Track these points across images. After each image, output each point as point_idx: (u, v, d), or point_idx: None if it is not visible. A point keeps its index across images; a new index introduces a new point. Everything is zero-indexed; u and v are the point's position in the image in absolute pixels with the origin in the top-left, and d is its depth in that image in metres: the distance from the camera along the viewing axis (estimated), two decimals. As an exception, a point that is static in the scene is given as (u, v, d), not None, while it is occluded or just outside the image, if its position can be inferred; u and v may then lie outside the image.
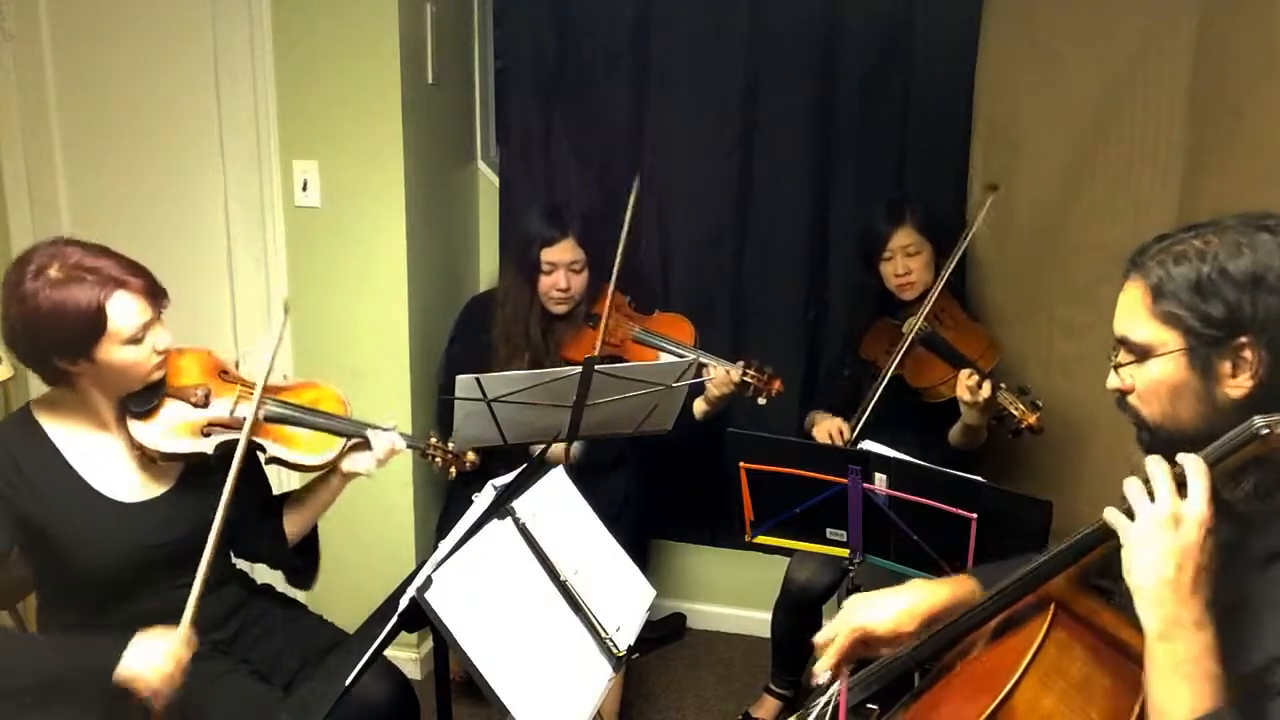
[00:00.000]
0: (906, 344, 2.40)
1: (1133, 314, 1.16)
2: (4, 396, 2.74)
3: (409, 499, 2.78)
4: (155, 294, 1.62)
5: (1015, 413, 2.21)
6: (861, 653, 1.37)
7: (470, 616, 1.35)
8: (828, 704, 1.33)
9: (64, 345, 1.57)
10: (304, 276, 2.73)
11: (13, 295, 1.55)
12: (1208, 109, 2.15)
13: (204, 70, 2.66)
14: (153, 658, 1.51)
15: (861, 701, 1.37)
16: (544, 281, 2.59)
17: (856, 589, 2.00)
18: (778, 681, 2.69)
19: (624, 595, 1.68)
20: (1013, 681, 1.08)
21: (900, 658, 1.34)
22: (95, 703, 1.54)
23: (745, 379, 2.46)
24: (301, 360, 2.73)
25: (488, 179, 3.09)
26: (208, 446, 1.69)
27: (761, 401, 2.50)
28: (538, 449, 2.21)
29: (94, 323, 1.55)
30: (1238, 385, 1.09)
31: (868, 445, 1.93)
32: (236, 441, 1.68)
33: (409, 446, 1.88)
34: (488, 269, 3.11)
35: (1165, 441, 1.16)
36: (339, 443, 1.82)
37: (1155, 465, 1.06)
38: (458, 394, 2.16)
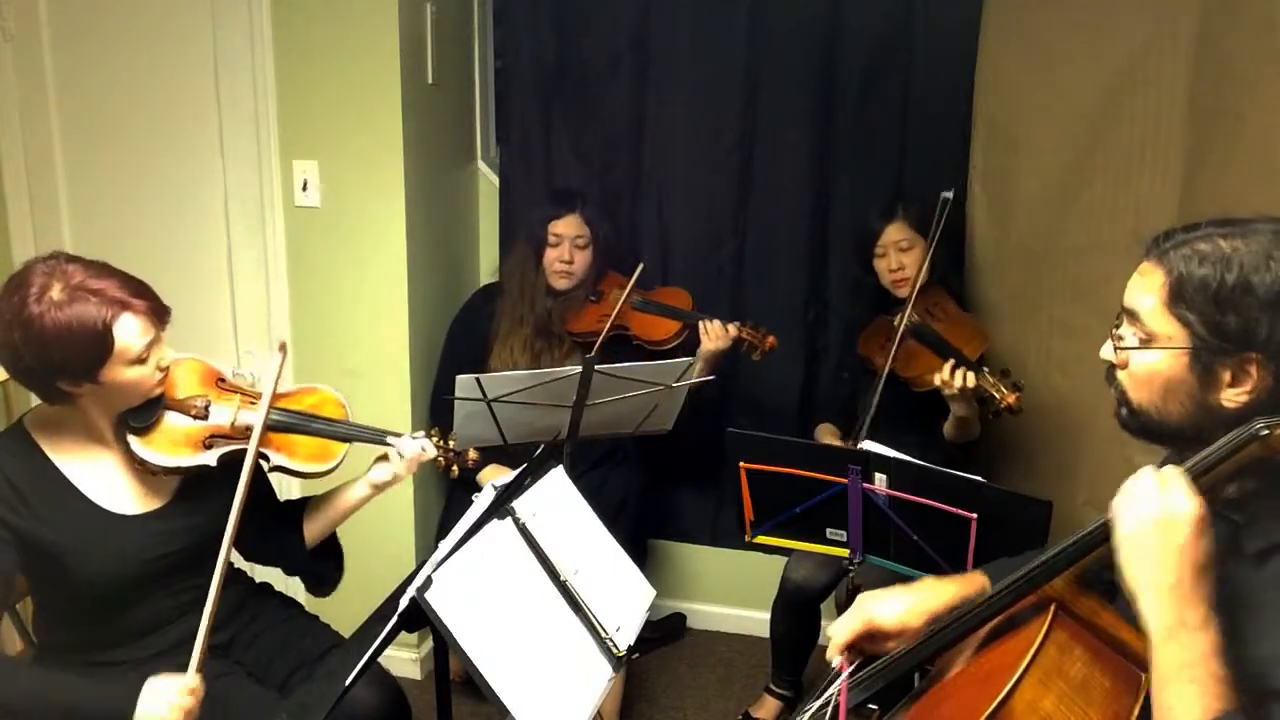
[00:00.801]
0: (899, 337, 2.42)
1: (1145, 299, 1.13)
2: (3, 397, 2.74)
3: (409, 499, 2.78)
4: (159, 313, 1.59)
5: (995, 394, 2.23)
6: (869, 647, 1.37)
7: (470, 616, 1.35)
8: (828, 704, 1.33)
9: (69, 368, 1.53)
10: (304, 276, 2.73)
11: (15, 319, 1.50)
12: (1208, 109, 2.15)
13: (204, 70, 2.66)
14: (162, 709, 1.50)
15: (862, 702, 1.37)
16: (549, 254, 2.66)
17: (857, 589, 2.00)
18: (778, 681, 2.69)
19: (624, 595, 1.68)
20: (1012, 682, 1.08)
21: (900, 658, 1.34)
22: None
23: (740, 335, 2.57)
24: (301, 361, 2.73)
25: (488, 179, 3.09)
26: (210, 459, 1.67)
27: (756, 358, 2.61)
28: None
29: (101, 345, 1.51)
30: (1234, 397, 1.09)
31: (868, 445, 1.93)
32: (239, 452, 1.66)
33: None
34: (488, 269, 3.11)
35: (1144, 426, 1.16)
36: (342, 449, 1.81)
37: (1145, 469, 1.06)
38: (457, 394, 2.16)
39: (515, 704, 1.32)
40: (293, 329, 2.76)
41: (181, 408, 1.68)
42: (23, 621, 1.95)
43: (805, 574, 2.50)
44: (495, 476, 1.66)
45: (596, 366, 2.18)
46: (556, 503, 1.68)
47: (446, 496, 2.86)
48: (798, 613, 2.58)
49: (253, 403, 1.73)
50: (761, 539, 2.08)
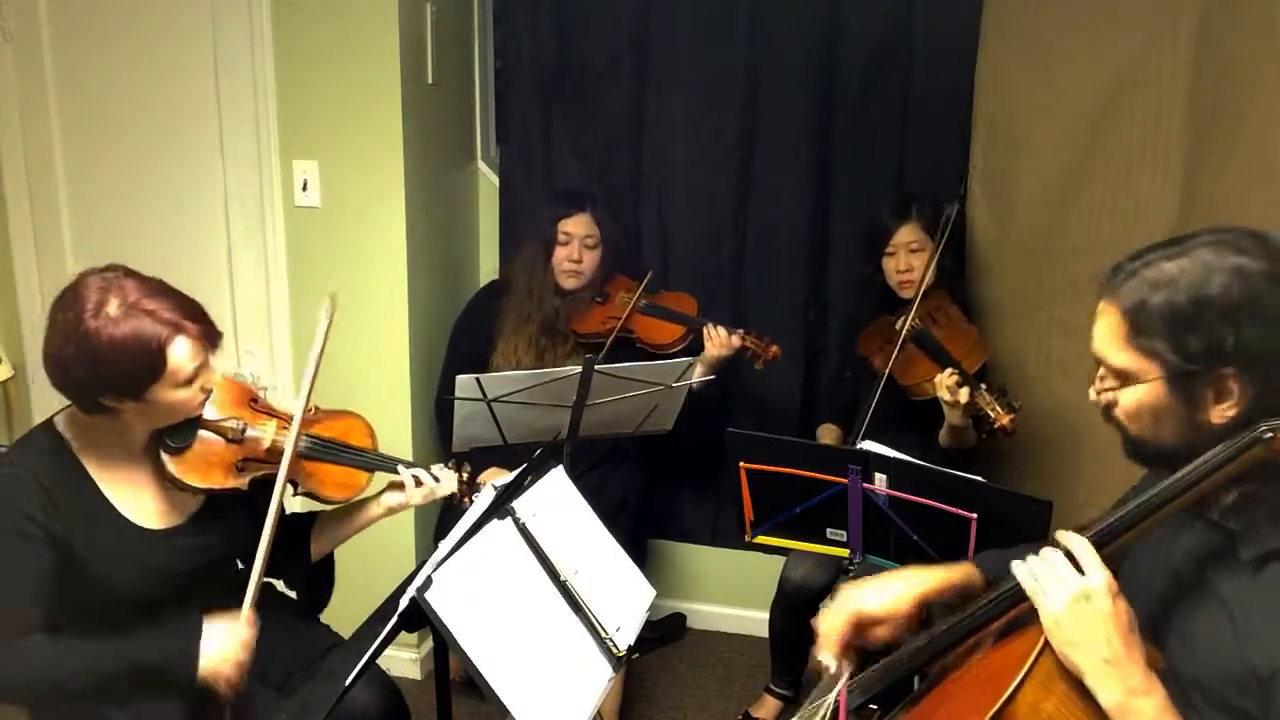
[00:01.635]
0: (900, 341, 2.41)
1: (1110, 341, 1.14)
2: (3, 396, 2.74)
3: (409, 499, 2.78)
4: (212, 337, 1.57)
5: (991, 413, 2.21)
6: (859, 639, 1.37)
7: (470, 616, 1.35)
8: (828, 706, 1.33)
9: (119, 385, 1.50)
10: (304, 276, 2.73)
11: (71, 333, 1.47)
12: (1208, 109, 2.15)
13: (204, 70, 2.66)
14: (226, 648, 1.53)
15: (862, 704, 1.37)
16: (558, 253, 2.66)
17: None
18: (777, 681, 2.69)
19: (624, 595, 1.68)
20: (1013, 686, 1.08)
21: (900, 660, 1.34)
22: (178, 697, 1.55)
23: (744, 344, 2.56)
24: (301, 362, 2.73)
25: (488, 179, 3.09)
26: (243, 483, 1.67)
27: (759, 366, 2.59)
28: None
29: (153, 365, 1.49)
30: (1222, 413, 1.09)
31: (868, 445, 1.93)
32: (269, 476, 1.66)
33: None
34: (488, 269, 3.11)
35: (1149, 455, 1.17)
36: (367, 479, 1.81)
37: (1049, 553, 1.11)
38: (457, 394, 2.16)
39: (515, 704, 1.32)
40: (293, 329, 2.76)
41: (218, 430, 1.66)
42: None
43: (804, 573, 2.50)
44: (495, 477, 1.66)
45: (596, 366, 2.18)
46: (556, 503, 1.68)
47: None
48: (797, 613, 2.57)
49: (286, 426, 1.72)
50: (761, 539, 2.08)
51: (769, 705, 2.69)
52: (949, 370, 2.27)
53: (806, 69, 2.79)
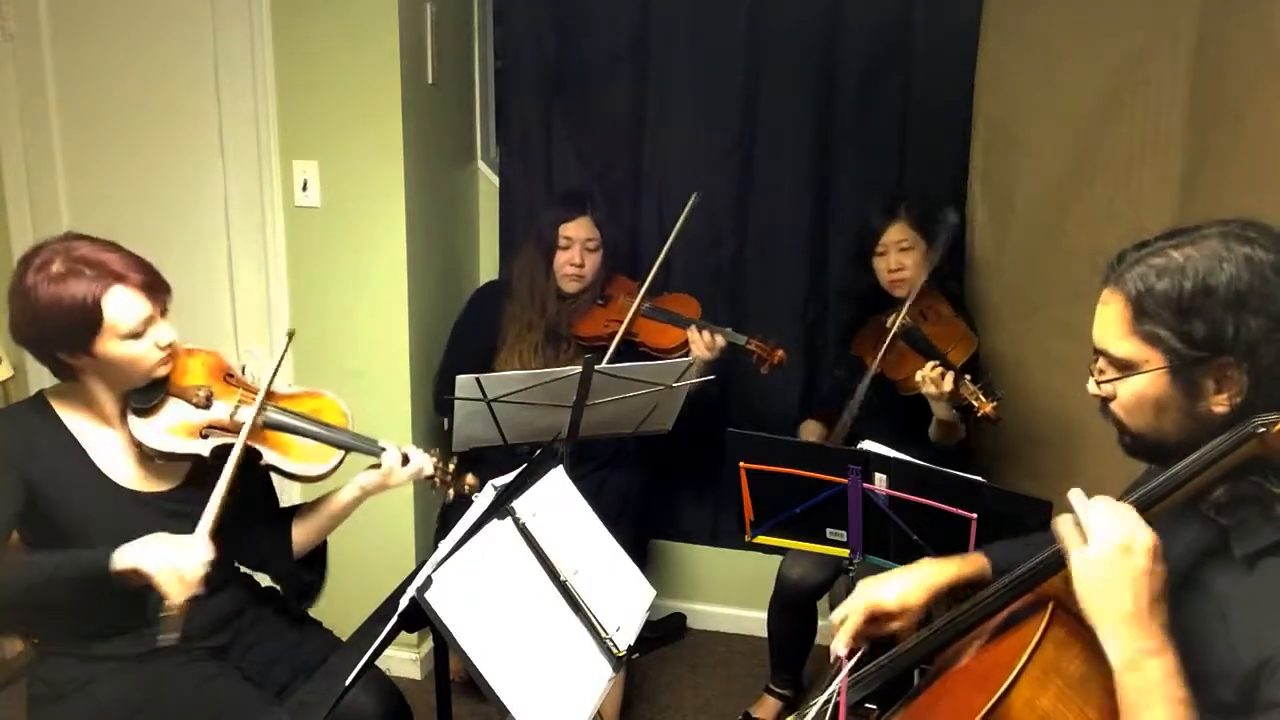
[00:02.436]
0: (888, 341, 2.42)
1: (1112, 329, 1.14)
2: (4, 396, 2.74)
3: (409, 499, 2.78)
4: (156, 289, 1.62)
5: (974, 402, 2.23)
6: (873, 631, 1.38)
7: (470, 616, 1.35)
8: (827, 703, 1.33)
9: (62, 339, 1.58)
10: (304, 276, 2.73)
11: (16, 288, 1.57)
12: (1208, 109, 2.15)
13: (204, 70, 2.66)
14: (169, 551, 1.51)
15: (860, 700, 1.37)
16: (560, 257, 2.65)
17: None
18: (777, 681, 2.69)
19: (624, 595, 1.68)
20: (1010, 680, 1.08)
21: (899, 656, 1.34)
22: (96, 597, 1.54)
23: (749, 347, 2.54)
24: (301, 361, 2.73)
25: (488, 179, 3.09)
26: (204, 449, 1.69)
27: (764, 371, 2.58)
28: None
29: (89, 317, 1.55)
30: (1222, 402, 1.09)
31: (868, 445, 1.93)
32: (232, 445, 1.67)
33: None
34: (488, 269, 3.11)
35: (1148, 449, 1.17)
36: (335, 455, 1.80)
37: (1097, 500, 1.08)
38: (457, 394, 2.16)
39: (515, 704, 1.32)
40: (293, 329, 2.76)
41: (184, 395, 1.70)
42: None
43: (801, 572, 2.51)
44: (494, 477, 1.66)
45: (596, 366, 2.18)
46: (556, 503, 1.68)
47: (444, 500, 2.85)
48: (794, 610, 2.58)
49: (254, 399, 1.73)
50: (761, 539, 2.08)
51: (769, 705, 2.69)
52: (931, 363, 2.28)
53: (806, 69, 2.79)
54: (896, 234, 2.52)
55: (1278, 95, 1.92)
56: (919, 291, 2.48)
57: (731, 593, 3.15)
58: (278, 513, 1.91)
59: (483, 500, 1.54)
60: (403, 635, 1.47)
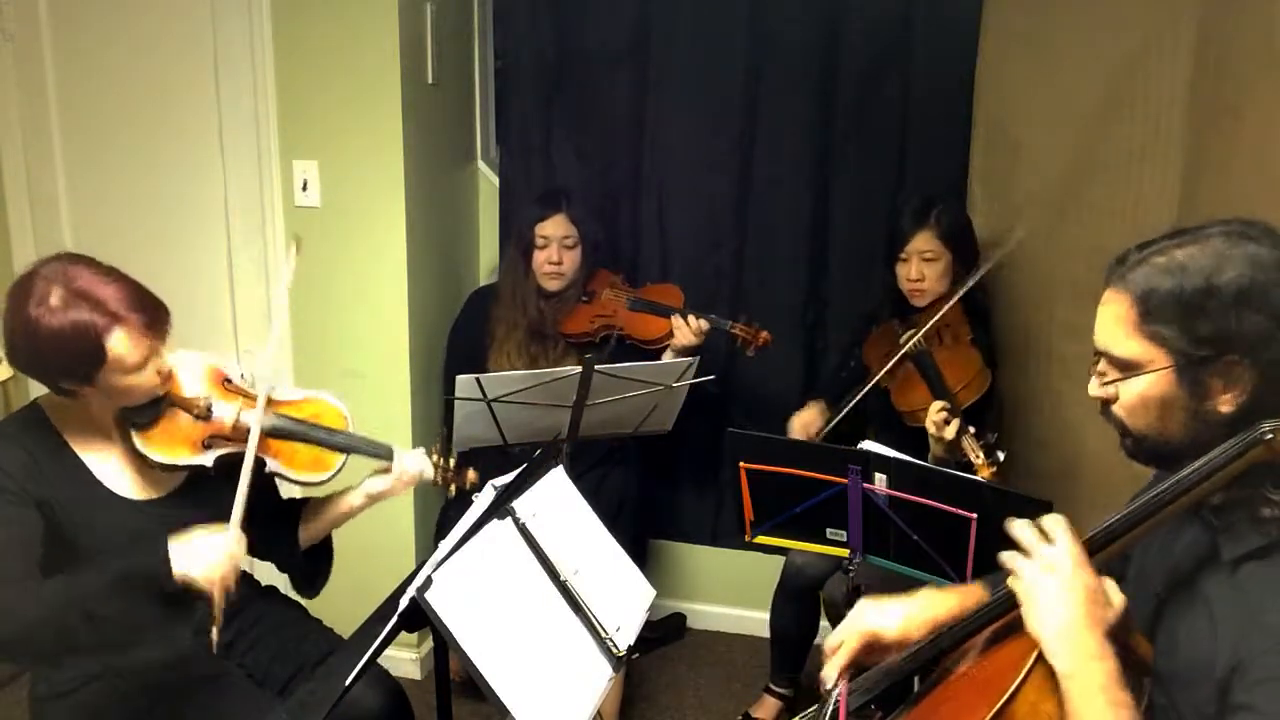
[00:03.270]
0: (897, 358, 2.38)
1: (1116, 329, 1.14)
2: (4, 396, 2.74)
3: (409, 500, 2.78)
4: (157, 325, 1.58)
5: (973, 459, 2.14)
6: (868, 659, 1.37)
7: (470, 616, 1.35)
8: (828, 707, 1.33)
9: (64, 372, 1.56)
10: (304, 276, 2.70)
11: (16, 318, 1.53)
12: (1208, 109, 2.15)
13: (204, 70, 2.66)
14: (206, 551, 1.53)
15: (863, 704, 1.37)
16: (538, 256, 2.66)
17: (857, 589, 2.00)
18: (777, 680, 2.69)
19: (624, 595, 1.68)
20: (1014, 687, 1.08)
21: (901, 662, 1.34)
22: (152, 607, 1.56)
23: (733, 331, 2.55)
24: (301, 361, 2.73)
25: (488, 179, 3.09)
26: (208, 460, 1.68)
27: (750, 354, 2.58)
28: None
29: (92, 355, 1.52)
30: (1228, 401, 1.09)
31: (868, 445, 1.93)
32: (236, 455, 1.67)
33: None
34: (488, 269, 3.11)
35: (1150, 452, 1.16)
36: (338, 460, 1.80)
37: (1017, 529, 1.15)
38: (457, 394, 2.16)
39: (515, 704, 1.32)
40: (293, 329, 2.76)
41: (184, 405, 1.68)
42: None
43: (806, 559, 2.50)
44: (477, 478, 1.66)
45: (596, 366, 2.18)
46: (556, 503, 1.68)
47: (445, 496, 2.85)
48: (798, 599, 2.57)
49: (255, 405, 1.73)
50: (761, 539, 2.08)
51: (769, 705, 2.69)
52: (938, 404, 2.21)
53: (806, 69, 2.79)
54: (922, 243, 2.44)
55: (1278, 95, 1.92)
56: (939, 315, 2.38)
57: (731, 593, 3.15)
58: (282, 505, 1.92)
59: (483, 500, 1.54)
60: (403, 635, 1.47)
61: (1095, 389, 1.19)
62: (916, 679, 1.39)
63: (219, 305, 2.79)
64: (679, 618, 3.19)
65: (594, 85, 2.92)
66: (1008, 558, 1.14)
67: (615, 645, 1.55)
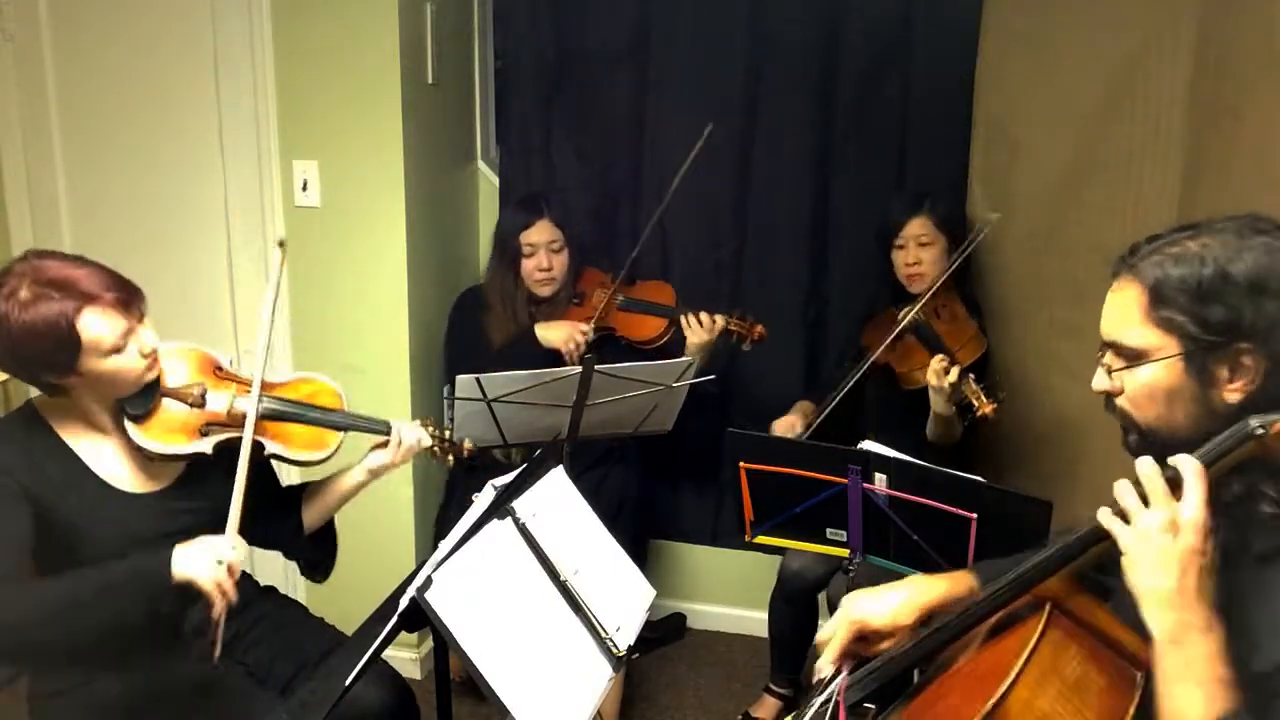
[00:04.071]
0: (897, 331, 2.42)
1: (1126, 317, 1.13)
2: (4, 396, 2.74)
3: (409, 497, 2.78)
4: (129, 301, 1.58)
5: (975, 401, 2.22)
6: (861, 649, 1.37)
7: (470, 616, 1.35)
8: (826, 704, 1.33)
9: (44, 364, 1.56)
10: (304, 276, 2.73)
11: None
12: (1208, 109, 2.15)
13: (204, 70, 2.66)
14: (205, 558, 1.53)
15: (859, 701, 1.37)
16: (526, 265, 2.66)
17: (855, 589, 2.00)
18: (777, 680, 2.69)
19: (624, 595, 1.68)
20: (1008, 682, 1.08)
21: (897, 657, 1.34)
22: (150, 611, 1.55)
23: (728, 326, 2.55)
24: (302, 360, 2.73)
25: (488, 179, 3.09)
26: (206, 446, 1.69)
27: (746, 348, 2.60)
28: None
29: (67, 341, 1.52)
30: (1235, 390, 1.08)
31: (868, 445, 1.93)
32: (234, 440, 1.68)
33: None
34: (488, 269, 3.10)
35: (1156, 445, 1.15)
36: (336, 438, 1.82)
37: (1148, 469, 1.05)
38: (457, 394, 2.16)
39: (515, 704, 1.32)
40: (293, 329, 2.77)
41: (178, 395, 1.69)
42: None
43: (802, 563, 2.52)
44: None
45: (596, 366, 2.18)
46: (556, 503, 1.68)
47: (445, 495, 2.86)
48: (795, 602, 2.58)
49: (248, 390, 1.74)
50: (762, 539, 2.08)
51: (769, 705, 2.69)
52: (940, 356, 2.28)
53: (806, 68, 2.79)
54: (917, 228, 2.51)
55: (1278, 95, 1.92)
56: (936, 290, 2.47)
57: (731, 593, 3.15)
58: (283, 493, 1.93)
59: (483, 500, 1.54)
60: (403, 635, 1.47)
61: (1100, 382, 1.19)
62: (915, 673, 1.39)
63: (219, 305, 2.79)
64: (679, 618, 3.19)
65: (594, 85, 2.92)
66: (1123, 492, 1.05)
67: (615, 645, 1.55)
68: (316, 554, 1.94)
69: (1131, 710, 1.07)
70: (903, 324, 2.42)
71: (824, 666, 1.36)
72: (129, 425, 1.64)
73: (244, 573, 1.89)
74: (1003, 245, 2.69)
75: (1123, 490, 1.06)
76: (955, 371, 2.25)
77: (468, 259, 3.09)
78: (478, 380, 2.15)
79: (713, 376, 2.51)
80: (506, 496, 1.56)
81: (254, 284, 2.77)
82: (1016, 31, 2.57)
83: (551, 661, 1.45)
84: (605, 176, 2.96)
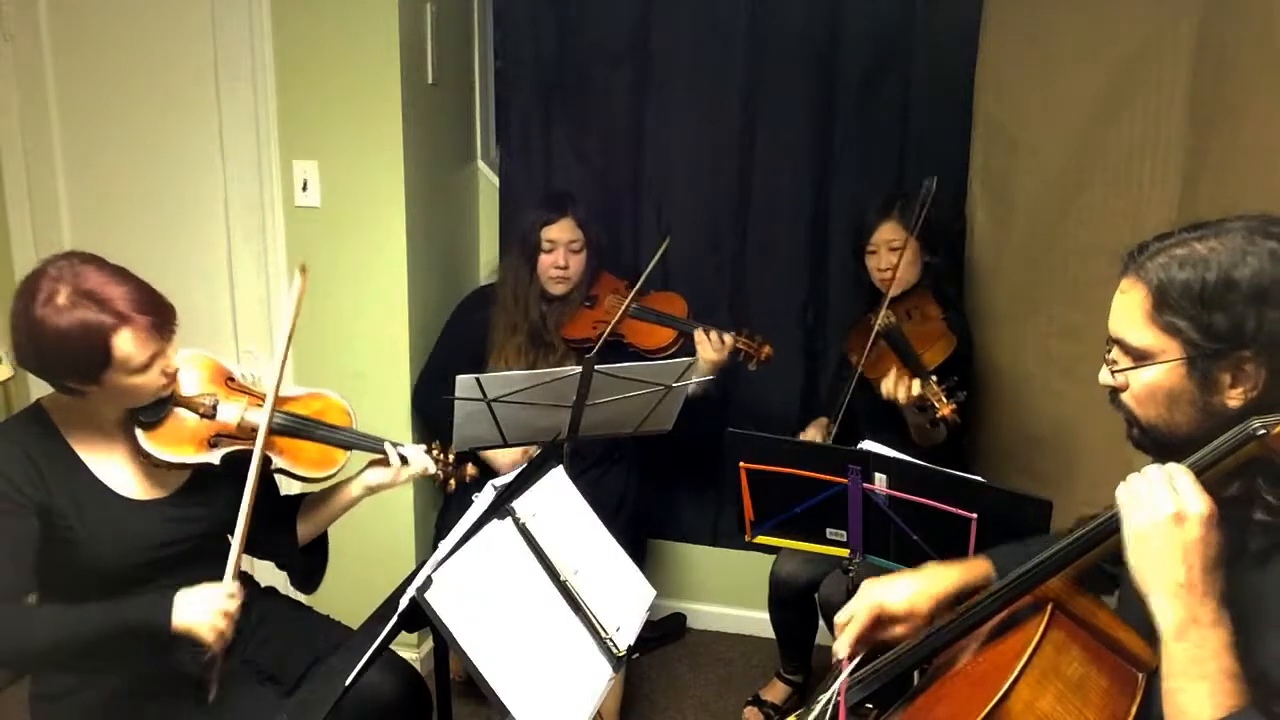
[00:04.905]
0: (871, 340, 2.41)
1: (1131, 318, 1.14)
2: (4, 396, 2.74)
3: (409, 499, 2.78)
4: (164, 325, 1.58)
5: (936, 403, 2.21)
6: (877, 634, 1.38)
7: (470, 616, 1.35)
8: (827, 704, 1.33)
9: (70, 371, 1.55)
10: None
11: (21, 317, 1.53)
12: (1208, 109, 2.15)
13: (204, 70, 2.66)
14: (204, 608, 1.54)
15: (860, 701, 1.37)
16: (543, 260, 2.65)
17: (857, 589, 2.00)
18: (787, 667, 2.75)
19: (624, 595, 1.68)
20: (1009, 682, 1.08)
21: (899, 657, 1.34)
22: (150, 657, 1.57)
23: (736, 345, 2.53)
24: (302, 361, 2.73)
25: (488, 179, 3.09)
26: (214, 458, 1.68)
27: (752, 368, 2.57)
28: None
29: (99, 356, 1.52)
30: (1236, 396, 1.09)
31: (868, 445, 1.93)
32: (242, 452, 1.67)
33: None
34: (487, 269, 3.10)
35: (1157, 441, 1.16)
36: (343, 456, 1.82)
37: (1151, 467, 1.06)
38: (457, 394, 2.16)
39: (515, 704, 1.32)
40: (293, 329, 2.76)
41: (190, 405, 1.69)
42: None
43: (791, 568, 2.55)
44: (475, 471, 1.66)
45: (597, 367, 2.18)
46: (556, 503, 1.68)
47: (445, 496, 2.86)
48: (788, 607, 2.61)
49: (259, 403, 1.73)
50: (762, 539, 2.08)
51: (778, 689, 2.74)
52: (894, 372, 2.28)
53: (806, 68, 2.79)
54: (888, 233, 2.51)
55: (1278, 95, 1.92)
56: (906, 290, 2.48)
57: (731, 593, 3.15)
58: (280, 504, 1.93)
59: (483, 500, 1.54)
60: (403, 635, 1.47)
61: (1105, 377, 1.19)
62: (916, 674, 1.39)
63: (219, 305, 2.79)
64: (679, 618, 3.19)
65: (594, 85, 2.92)
66: (1121, 496, 1.06)
67: (615, 645, 1.55)
68: (308, 565, 1.94)
69: (1133, 711, 1.07)
70: (875, 330, 2.41)
71: (839, 649, 1.37)
72: (138, 432, 1.63)
73: (245, 574, 1.90)
74: (1003, 245, 2.69)
75: (1125, 488, 1.07)
76: (916, 384, 2.24)
77: (468, 259, 3.09)
78: (478, 380, 2.15)
79: (712, 378, 2.51)
80: (506, 496, 1.56)
81: (254, 284, 2.77)
82: (1016, 31, 2.57)
83: (551, 661, 1.45)
84: (605, 177, 2.96)
